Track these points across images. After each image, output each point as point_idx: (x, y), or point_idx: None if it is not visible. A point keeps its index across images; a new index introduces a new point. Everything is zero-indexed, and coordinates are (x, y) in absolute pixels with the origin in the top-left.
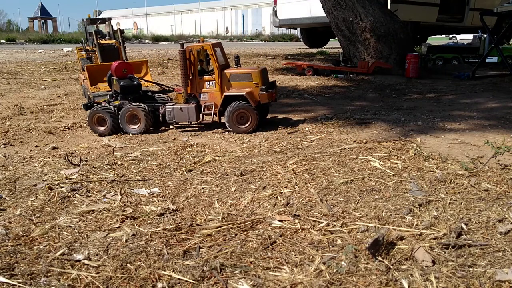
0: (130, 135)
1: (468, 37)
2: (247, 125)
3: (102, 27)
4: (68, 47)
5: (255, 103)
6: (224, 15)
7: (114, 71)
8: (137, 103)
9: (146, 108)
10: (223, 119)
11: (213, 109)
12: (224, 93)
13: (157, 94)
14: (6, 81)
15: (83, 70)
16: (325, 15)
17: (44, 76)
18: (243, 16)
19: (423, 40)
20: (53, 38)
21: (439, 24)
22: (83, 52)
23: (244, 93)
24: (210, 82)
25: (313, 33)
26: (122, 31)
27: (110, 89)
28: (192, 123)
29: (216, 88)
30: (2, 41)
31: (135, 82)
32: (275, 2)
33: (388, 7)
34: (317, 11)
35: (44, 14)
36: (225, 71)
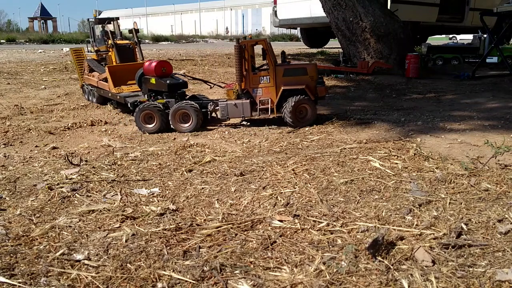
0: (180, 133)
1: (468, 37)
2: (306, 118)
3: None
4: (68, 47)
5: (313, 96)
6: (224, 15)
7: (153, 71)
8: (188, 101)
9: (197, 106)
10: (279, 114)
11: (269, 104)
12: (282, 87)
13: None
14: (6, 81)
15: (90, 71)
16: (325, 15)
17: (44, 76)
18: (243, 16)
19: (423, 40)
20: (53, 38)
21: (439, 24)
22: (92, 53)
23: (303, 87)
24: (265, 77)
25: (313, 33)
26: (137, 31)
27: (140, 89)
28: (245, 118)
29: (271, 83)
30: (2, 41)
31: (181, 80)
32: (275, 2)
33: (388, 7)
34: (317, 11)
35: (44, 14)
36: (279, 65)
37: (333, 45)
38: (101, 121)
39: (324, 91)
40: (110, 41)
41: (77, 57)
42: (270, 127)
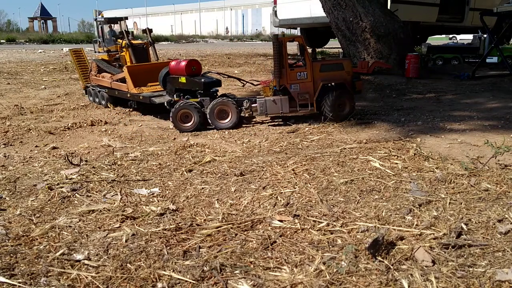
0: (217, 130)
1: (468, 37)
2: (345, 112)
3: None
4: (68, 47)
5: (351, 91)
6: (224, 15)
7: (183, 70)
8: (227, 98)
9: (236, 102)
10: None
11: (309, 100)
12: (322, 83)
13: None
14: (6, 81)
15: (99, 72)
16: (325, 15)
17: (44, 76)
18: (243, 16)
19: (423, 40)
20: (53, 38)
21: (439, 24)
22: (101, 54)
23: (343, 81)
24: (302, 73)
25: (313, 33)
26: (150, 31)
27: (163, 89)
28: (283, 114)
29: (308, 79)
30: (2, 41)
31: (214, 79)
32: (275, 2)
33: (388, 7)
34: (317, 11)
35: (44, 14)
36: (316, 61)
37: (333, 45)
38: (101, 121)
39: (361, 86)
40: (124, 41)
41: (77, 58)
42: (270, 127)
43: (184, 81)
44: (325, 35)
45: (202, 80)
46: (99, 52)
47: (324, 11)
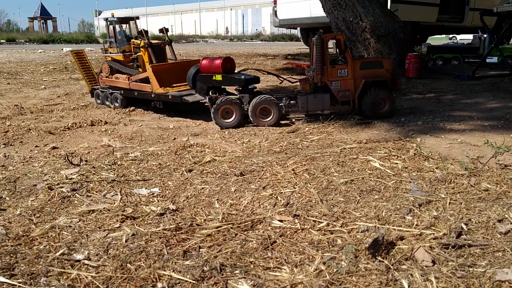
0: (261, 127)
1: (468, 37)
2: (385, 110)
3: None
4: (68, 47)
5: (392, 89)
6: (224, 15)
7: (219, 67)
8: (269, 96)
9: (277, 100)
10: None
11: (351, 97)
12: (364, 80)
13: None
14: (6, 81)
15: (111, 73)
16: (325, 15)
17: (44, 76)
18: (243, 16)
19: (423, 40)
20: (53, 38)
21: (439, 24)
22: (114, 54)
23: (384, 79)
24: (342, 70)
25: (313, 33)
26: (167, 30)
27: (191, 87)
28: (324, 111)
29: (349, 76)
30: (2, 41)
31: (253, 76)
32: (275, 2)
33: (388, 7)
34: (317, 11)
35: (44, 14)
36: (356, 59)
37: None
38: (101, 121)
39: (401, 84)
40: (142, 41)
41: (80, 60)
42: (270, 127)
43: (220, 78)
44: None
45: (243, 77)
46: (110, 53)
47: (324, 11)
